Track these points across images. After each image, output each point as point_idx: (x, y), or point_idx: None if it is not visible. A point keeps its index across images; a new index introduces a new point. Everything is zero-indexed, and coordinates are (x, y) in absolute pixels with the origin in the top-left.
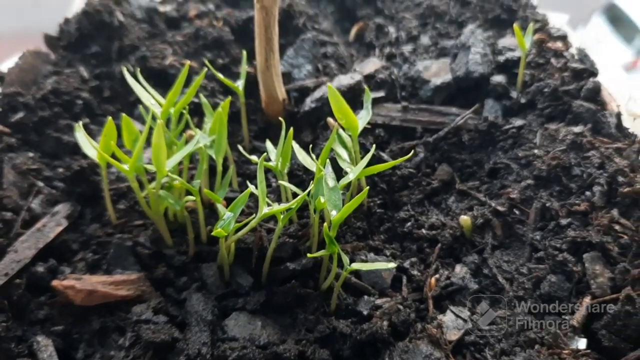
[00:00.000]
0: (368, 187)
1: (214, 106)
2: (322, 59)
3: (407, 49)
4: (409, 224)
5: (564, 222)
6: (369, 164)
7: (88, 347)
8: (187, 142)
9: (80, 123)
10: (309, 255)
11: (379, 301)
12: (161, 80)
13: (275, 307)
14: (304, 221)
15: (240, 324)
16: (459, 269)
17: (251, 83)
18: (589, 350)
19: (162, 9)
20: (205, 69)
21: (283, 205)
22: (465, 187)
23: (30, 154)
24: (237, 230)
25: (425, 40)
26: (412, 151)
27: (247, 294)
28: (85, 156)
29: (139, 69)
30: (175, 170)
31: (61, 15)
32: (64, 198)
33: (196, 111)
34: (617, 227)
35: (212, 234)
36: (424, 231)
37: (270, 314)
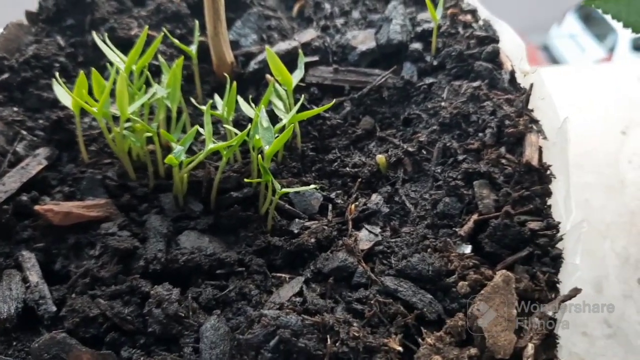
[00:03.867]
0: (294, 124)
1: (171, 67)
2: (267, 30)
3: (339, 22)
4: (335, 163)
5: (460, 157)
6: None
7: (65, 260)
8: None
9: (57, 76)
10: (246, 180)
11: (307, 223)
12: (127, 49)
13: (222, 228)
14: (246, 161)
15: (190, 239)
16: (374, 197)
17: (204, 51)
18: (472, 254)
19: None
20: (162, 34)
21: (226, 142)
22: (384, 134)
23: (15, 109)
24: (189, 164)
25: (355, 14)
26: (334, 100)
27: (198, 217)
28: (62, 109)
29: (107, 37)
30: (137, 118)
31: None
32: (44, 144)
33: (156, 73)
34: (503, 160)
35: (165, 161)
36: (347, 169)
37: (217, 234)
